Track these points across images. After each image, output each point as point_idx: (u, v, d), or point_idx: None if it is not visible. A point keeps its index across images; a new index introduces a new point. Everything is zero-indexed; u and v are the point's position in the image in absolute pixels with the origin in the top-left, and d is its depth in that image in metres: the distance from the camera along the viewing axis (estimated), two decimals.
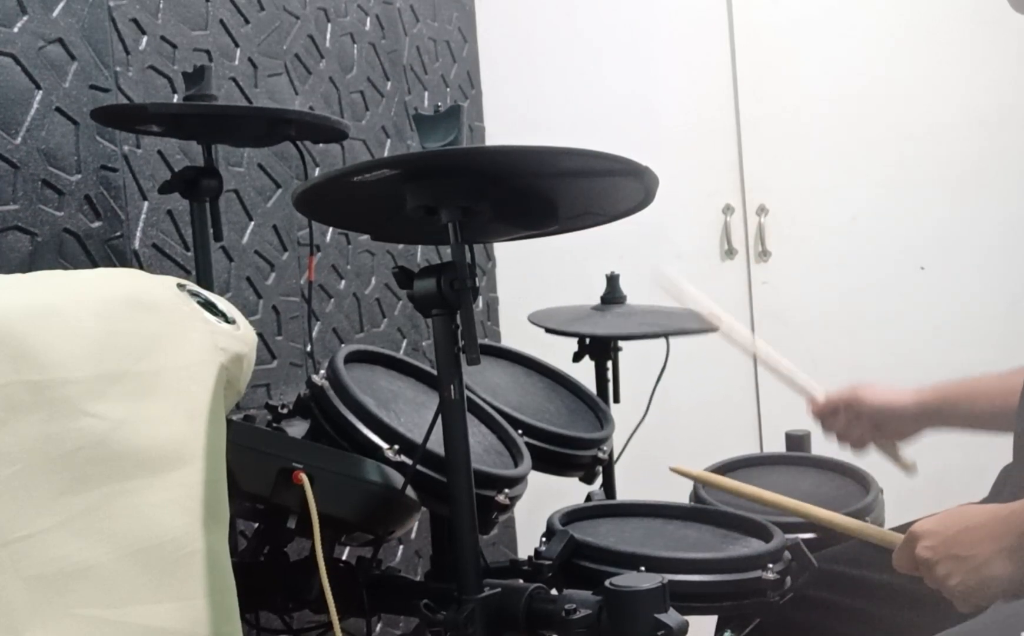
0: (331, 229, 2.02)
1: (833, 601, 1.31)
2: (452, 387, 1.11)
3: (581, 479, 1.61)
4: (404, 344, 2.27)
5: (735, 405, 2.72)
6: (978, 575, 1.05)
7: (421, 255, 2.31)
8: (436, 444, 1.17)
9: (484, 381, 1.59)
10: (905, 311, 2.62)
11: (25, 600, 0.80)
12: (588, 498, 1.55)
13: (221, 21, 1.77)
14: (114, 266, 1.50)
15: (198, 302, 0.99)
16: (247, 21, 1.83)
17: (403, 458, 1.22)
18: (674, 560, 1.21)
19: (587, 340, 1.80)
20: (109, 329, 0.89)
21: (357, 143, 2.13)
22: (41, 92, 1.40)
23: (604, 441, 1.61)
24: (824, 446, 1.70)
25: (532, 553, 1.28)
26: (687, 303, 1.62)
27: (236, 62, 1.80)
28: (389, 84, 2.25)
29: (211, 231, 1.46)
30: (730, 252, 2.73)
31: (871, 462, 1.57)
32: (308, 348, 1.89)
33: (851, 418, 1.46)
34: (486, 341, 2.29)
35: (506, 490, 1.29)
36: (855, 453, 1.51)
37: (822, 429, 1.52)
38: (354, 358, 1.41)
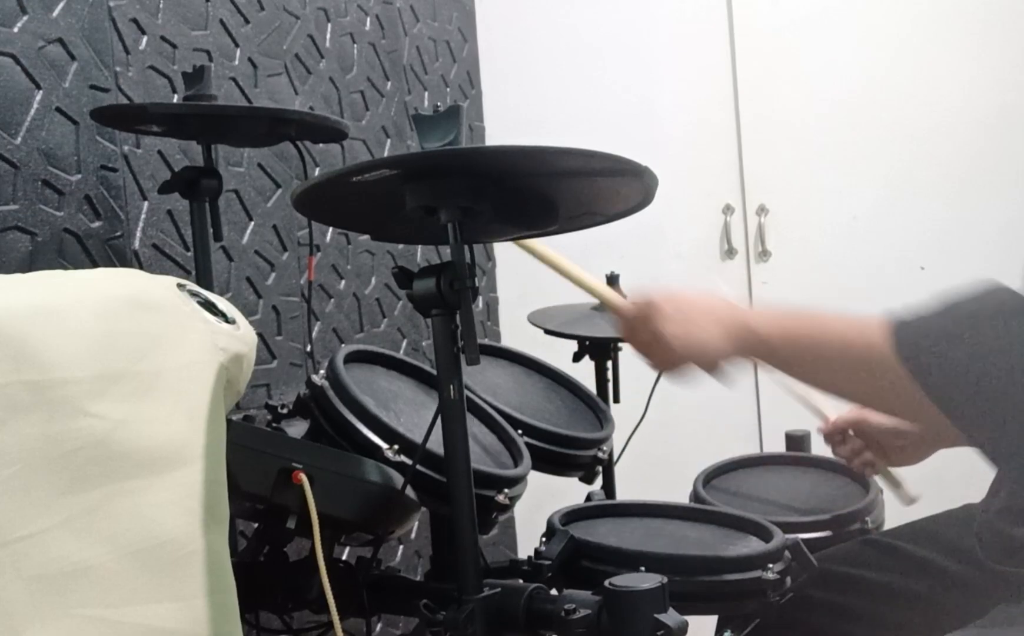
0: (331, 229, 2.02)
1: (833, 601, 1.32)
2: (452, 387, 1.11)
3: (581, 479, 1.61)
4: (404, 344, 2.27)
5: (735, 405, 2.71)
6: (694, 339, 1.17)
7: (421, 255, 2.31)
8: (436, 444, 1.17)
9: (484, 381, 1.59)
10: None
11: (25, 600, 0.80)
12: (588, 498, 1.55)
13: (221, 21, 1.77)
14: (114, 266, 1.50)
15: (198, 302, 0.99)
16: (247, 21, 1.83)
17: (403, 458, 1.22)
18: (674, 560, 1.21)
19: (587, 341, 1.80)
20: (109, 329, 0.89)
21: (357, 143, 2.13)
22: (41, 92, 1.40)
23: (604, 441, 1.61)
24: (824, 446, 1.70)
25: (532, 553, 1.28)
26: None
27: (236, 62, 1.80)
28: (389, 84, 2.25)
29: (211, 231, 1.46)
30: (730, 252, 2.73)
31: None
32: (308, 348, 1.89)
33: (859, 441, 1.47)
34: (486, 341, 2.29)
35: (506, 490, 1.29)
36: (863, 474, 1.51)
37: (832, 452, 1.52)
38: (354, 358, 1.41)
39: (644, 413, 1.79)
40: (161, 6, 1.64)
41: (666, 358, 1.20)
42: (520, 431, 1.46)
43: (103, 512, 0.85)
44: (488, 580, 1.15)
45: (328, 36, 2.06)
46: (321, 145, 2.00)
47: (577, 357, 1.81)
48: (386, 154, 2.20)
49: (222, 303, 1.03)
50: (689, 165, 2.70)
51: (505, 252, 2.72)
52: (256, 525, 1.37)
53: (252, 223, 1.82)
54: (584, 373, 1.79)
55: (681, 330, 1.17)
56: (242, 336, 1.01)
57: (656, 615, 1.04)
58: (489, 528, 1.31)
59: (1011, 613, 1.05)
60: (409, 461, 1.21)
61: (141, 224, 1.59)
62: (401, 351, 2.23)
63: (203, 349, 0.96)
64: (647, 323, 1.21)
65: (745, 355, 1.17)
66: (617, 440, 1.73)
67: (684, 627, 1.05)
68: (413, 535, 2.18)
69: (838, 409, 1.52)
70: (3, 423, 0.80)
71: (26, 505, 0.81)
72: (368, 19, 2.20)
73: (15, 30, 1.37)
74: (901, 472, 1.49)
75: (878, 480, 1.51)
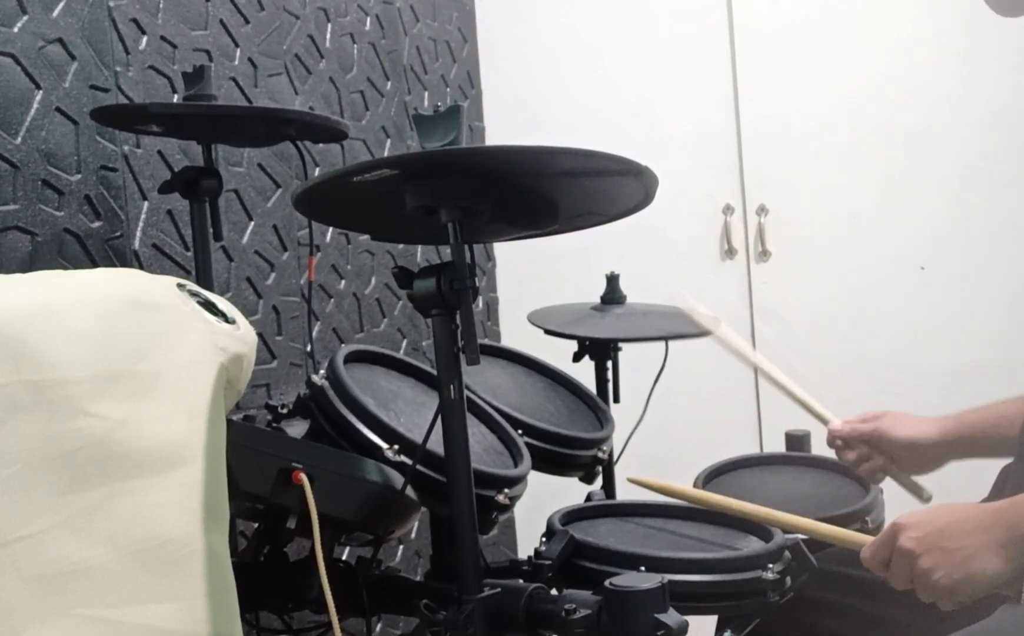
0: (331, 229, 2.02)
1: (833, 601, 1.31)
2: (452, 387, 1.11)
3: (581, 479, 1.61)
4: (404, 344, 2.26)
5: (735, 405, 2.72)
6: (965, 569, 1.02)
7: (421, 255, 2.31)
8: (436, 444, 1.17)
9: (484, 381, 1.59)
10: (905, 311, 2.62)
11: (25, 600, 0.80)
12: (588, 498, 1.55)
13: (221, 21, 1.77)
14: (114, 266, 1.50)
15: (198, 302, 0.99)
16: (247, 21, 1.83)
17: (403, 458, 1.22)
18: (674, 560, 1.21)
19: (587, 341, 1.80)
20: (109, 329, 0.89)
21: (357, 143, 2.13)
22: (41, 92, 1.40)
23: (604, 441, 1.61)
24: (824, 446, 1.70)
25: (532, 553, 1.28)
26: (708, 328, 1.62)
27: (236, 62, 1.80)
28: (389, 84, 2.25)
29: (211, 231, 1.46)
30: (730, 252, 2.73)
31: None
32: (308, 348, 1.89)
33: (867, 449, 1.46)
34: (486, 341, 2.29)
35: (506, 490, 1.29)
36: (871, 480, 1.50)
37: (837, 456, 1.51)
38: (354, 358, 1.41)
39: (644, 413, 1.79)
40: (161, 6, 1.64)
41: (942, 599, 1.05)
42: (520, 431, 1.46)
43: (103, 512, 0.85)
44: (488, 580, 1.15)
45: (328, 36, 2.06)
46: (321, 145, 2.00)
47: (577, 357, 1.81)
48: (386, 154, 2.20)
49: (222, 303, 1.03)
50: (689, 165, 2.69)
51: (505, 252, 2.73)
52: (256, 525, 1.37)
53: (252, 223, 1.82)
54: (584, 373, 1.78)
55: (949, 568, 1.02)
56: (242, 336, 1.02)
57: (656, 615, 1.04)
58: (489, 528, 1.31)
59: (1014, 615, 1.04)
60: (409, 461, 1.21)
61: (141, 224, 1.58)
62: (401, 351, 2.23)
63: (203, 349, 0.96)
64: (904, 568, 1.07)
65: None
66: (617, 440, 1.73)
67: (684, 627, 1.05)
68: (413, 535, 2.18)
69: (843, 410, 1.51)
70: (3, 423, 0.80)
71: (26, 505, 0.81)
72: (368, 19, 2.20)
73: (15, 30, 1.37)
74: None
75: (895, 482, 1.50)
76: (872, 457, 1.45)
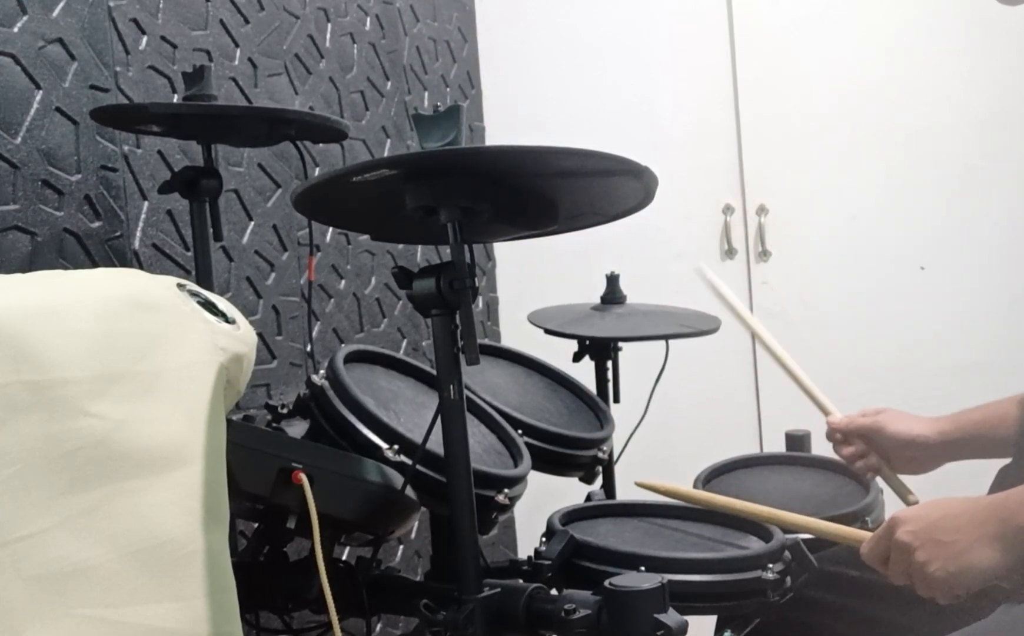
0: (331, 229, 2.02)
1: (833, 601, 1.31)
2: (452, 387, 1.11)
3: (581, 479, 1.61)
4: (404, 344, 2.26)
5: (735, 405, 2.72)
6: (959, 561, 1.03)
7: (421, 255, 2.31)
8: (436, 444, 1.17)
9: (484, 381, 1.59)
10: (905, 311, 2.62)
11: (25, 600, 0.80)
12: (588, 498, 1.55)
13: (221, 21, 1.77)
14: (114, 266, 1.50)
15: (198, 302, 0.99)
16: (247, 21, 1.83)
17: (403, 458, 1.22)
18: (674, 560, 1.21)
19: (587, 341, 1.80)
20: (109, 329, 0.89)
21: (357, 143, 2.13)
22: (41, 92, 1.40)
23: (604, 441, 1.61)
24: (824, 446, 1.70)
25: (532, 553, 1.28)
26: (726, 301, 1.61)
27: (236, 62, 1.80)
28: (389, 84, 2.25)
29: (211, 231, 1.46)
30: (730, 252, 2.73)
31: None
32: (308, 348, 1.89)
33: (864, 445, 1.46)
34: (486, 341, 2.29)
35: (506, 490, 1.29)
36: (863, 476, 1.50)
37: (833, 449, 1.51)
38: (354, 358, 1.41)
39: (644, 413, 1.79)
40: (161, 6, 1.64)
41: (939, 592, 1.07)
42: (520, 431, 1.46)
43: (103, 512, 0.85)
44: (488, 580, 1.15)
45: (328, 36, 2.06)
46: (321, 145, 2.00)
47: (577, 357, 1.81)
48: (386, 154, 2.20)
49: (222, 303, 1.03)
50: (689, 165, 2.69)
51: (505, 252, 2.73)
52: (256, 525, 1.37)
53: (252, 223, 1.82)
54: (584, 373, 1.78)
55: (944, 561, 1.04)
56: (242, 336, 1.02)
57: (656, 615, 1.04)
58: (489, 528, 1.31)
59: (1014, 614, 1.04)
60: (409, 461, 1.21)
61: (141, 224, 1.59)
62: (401, 351, 2.23)
63: (203, 349, 0.96)
64: (900, 563, 1.09)
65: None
66: (617, 440, 1.73)
67: (684, 627, 1.05)
68: (413, 535, 2.18)
69: (843, 408, 1.51)
70: (3, 423, 0.80)
71: (26, 505, 0.81)
72: (368, 19, 2.20)
73: (15, 30, 1.37)
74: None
75: (880, 482, 1.51)
76: (868, 454, 1.46)
